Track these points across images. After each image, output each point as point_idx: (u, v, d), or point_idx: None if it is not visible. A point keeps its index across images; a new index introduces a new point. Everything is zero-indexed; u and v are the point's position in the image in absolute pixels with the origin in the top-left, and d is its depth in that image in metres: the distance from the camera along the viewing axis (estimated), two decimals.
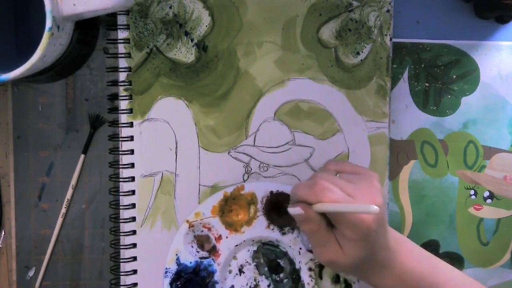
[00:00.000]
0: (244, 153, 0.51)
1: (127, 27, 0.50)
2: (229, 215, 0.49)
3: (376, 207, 0.38)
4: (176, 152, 0.50)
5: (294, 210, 0.43)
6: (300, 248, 0.49)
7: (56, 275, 0.52)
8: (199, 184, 0.51)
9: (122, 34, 0.50)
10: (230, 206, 0.49)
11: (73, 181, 0.52)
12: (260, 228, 0.49)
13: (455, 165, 0.54)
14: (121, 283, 0.50)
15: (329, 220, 0.43)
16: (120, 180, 0.50)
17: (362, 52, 0.51)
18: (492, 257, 0.54)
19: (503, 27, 0.54)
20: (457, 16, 0.53)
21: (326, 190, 0.41)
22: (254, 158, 0.51)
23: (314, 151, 0.51)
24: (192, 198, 0.50)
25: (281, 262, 0.50)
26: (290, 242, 0.49)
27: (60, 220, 0.52)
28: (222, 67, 0.51)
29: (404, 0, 0.53)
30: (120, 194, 0.50)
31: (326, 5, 0.51)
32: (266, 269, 0.50)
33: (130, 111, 0.50)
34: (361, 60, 0.51)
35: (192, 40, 0.50)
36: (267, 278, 0.50)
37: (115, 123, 0.50)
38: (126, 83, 0.50)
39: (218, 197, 0.49)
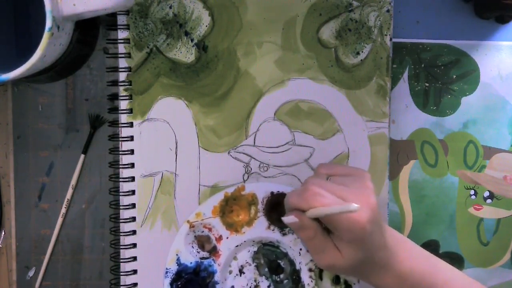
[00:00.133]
0: (244, 153, 0.51)
1: (127, 27, 0.50)
2: (230, 215, 0.49)
3: (355, 205, 0.38)
4: (176, 152, 0.50)
5: (288, 219, 0.43)
6: (301, 249, 0.49)
7: (56, 275, 0.52)
8: (199, 184, 0.51)
9: (122, 34, 0.50)
10: (231, 206, 0.49)
11: (73, 181, 0.52)
12: (261, 229, 0.49)
13: (455, 165, 0.54)
14: (121, 283, 0.50)
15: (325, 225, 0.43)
16: (120, 180, 0.50)
17: (362, 52, 0.51)
18: (492, 257, 0.54)
19: (503, 27, 0.54)
20: (457, 16, 0.53)
21: (316, 195, 0.41)
22: (254, 158, 0.51)
23: (314, 151, 0.51)
24: (192, 198, 0.50)
25: (282, 263, 0.50)
26: (290, 243, 0.49)
27: (60, 220, 0.52)
28: (222, 67, 0.51)
29: (404, 0, 0.53)
30: (120, 194, 0.50)
31: (326, 5, 0.51)
32: (266, 269, 0.50)
33: (130, 111, 0.50)
34: (361, 60, 0.51)
35: (192, 40, 0.50)
36: (267, 278, 0.50)
37: (115, 123, 0.50)
38: (126, 83, 0.50)
39: (218, 197, 0.49)
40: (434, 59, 0.53)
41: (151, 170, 0.50)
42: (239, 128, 0.51)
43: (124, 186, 0.50)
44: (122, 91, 0.50)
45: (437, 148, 0.54)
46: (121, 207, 0.50)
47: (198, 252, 0.50)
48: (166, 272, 0.49)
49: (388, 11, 0.51)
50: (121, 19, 0.50)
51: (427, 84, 0.53)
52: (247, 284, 0.50)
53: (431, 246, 0.54)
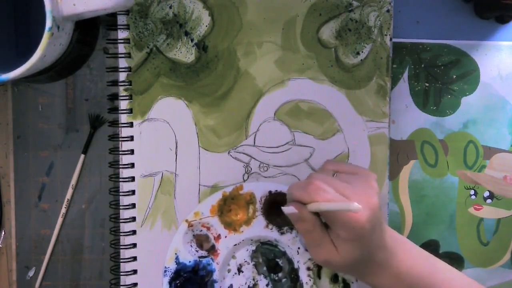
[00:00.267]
0: (244, 153, 0.51)
1: (127, 27, 0.50)
2: (228, 214, 0.49)
3: (357, 205, 0.38)
4: (176, 152, 0.50)
5: (288, 209, 0.43)
6: (299, 248, 0.49)
7: (56, 275, 0.52)
8: (199, 184, 0.51)
9: (122, 34, 0.50)
10: (229, 205, 0.49)
11: (73, 181, 0.52)
12: (259, 228, 0.49)
13: (455, 165, 0.54)
14: (121, 283, 0.50)
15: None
16: (120, 180, 0.50)
17: (362, 52, 0.51)
18: (492, 257, 0.54)
19: (503, 27, 0.54)
20: (457, 16, 0.53)
21: (320, 190, 0.41)
22: (254, 158, 0.51)
23: (314, 151, 0.51)
24: (192, 198, 0.50)
25: (280, 262, 0.50)
26: (288, 242, 0.49)
27: (60, 220, 0.52)
28: (222, 67, 0.51)
29: (404, 0, 0.53)
30: (120, 194, 0.50)
31: (326, 5, 0.51)
32: (264, 268, 0.50)
33: (130, 111, 0.50)
34: (361, 60, 0.51)
35: (192, 40, 0.50)
36: (265, 277, 0.50)
37: (115, 123, 0.50)
38: (126, 83, 0.50)
39: (217, 197, 0.49)
40: (434, 59, 0.53)
41: (151, 170, 0.50)
42: (239, 128, 0.51)
43: (124, 186, 0.50)
44: (122, 91, 0.50)
45: (437, 148, 0.54)
46: (121, 207, 0.50)
47: (197, 251, 0.50)
48: (165, 271, 0.49)
49: (388, 11, 0.51)
50: (121, 19, 0.50)
51: (427, 84, 0.53)
52: (246, 283, 0.50)
53: (431, 246, 0.54)
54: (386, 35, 0.51)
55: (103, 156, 0.52)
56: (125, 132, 0.50)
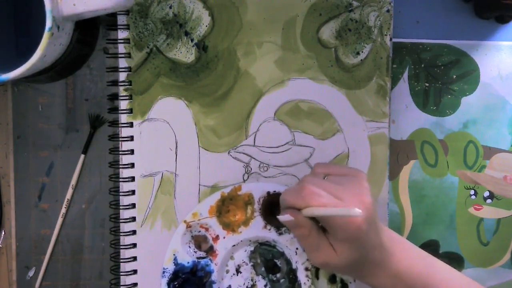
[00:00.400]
0: (244, 153, 0.51)
1: (127, 27, 0.50)
2: (226, 215, 0.49)
3: (358, 210, 0.38)
4: (176, 152, 0.50)
5: (283, 218, 0.43)
6: (297, 248, 0.49)
7: (56, 275, 0.52)
8: (199, 184, 0.51)
9: (122, 34, 0.50)
10: (227, 206, 0.49)
11: (73, 181, 0.52)
12: (257, 229, 0.49)
13: (455, 165, 0.54)
14: (121, 283, 0.50)
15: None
16: (120, 180, 0.50)
17: (362, 52, 0.51)
18: (492, 257, 0.54)
19: (503, 27, 0.54)
20: (457, 16, 0.53)
21: (313, 194, 0.41)
22: (254, 158, 0.51)
23: (314, 151, 0.51)
24: (192, 198, 0.50)
25: (278, 262, 0.50)
26: (286, 242, 0.49)
27: (60, 220, 0.52)
28: (222, 67, 0.51)
29: (404, 0, 0.53)
30: (120, 194, 0.50)
31: (326, 5, 0.51)
32: (263, 269, 0.50)
33: (130, 111, 0.50)
34: (361, 60, 0.51)
35: (192, 40, 0.50)
36: (264, 278, 0.50)
37: (115, 123, 0.50)
38: (126, 83, 0.50)
39: (215, 197, 0.49)
40: (434, 59, 0.53)
41: (151, 170, 0.50)
42: (239, 128, 0.51)
43: (124, 186, 0.50)
44: (122, 91, 0.50)
45: (437, 148, 0.54)
46: (121, 207, 0.50)
47: (195, 252, 0.50)
48: (163, 272, 0.49)
49: (388, 11, 0.51)
50: (121, 19, 0.50)
51: (427, 84, 0.53)
52: (244, 284, 0.50)
53: (431, 246, 0.54)
54: (386, 35, 0.51)
55: (103, 156, 0.52)
56: (125, 132, 0.50)
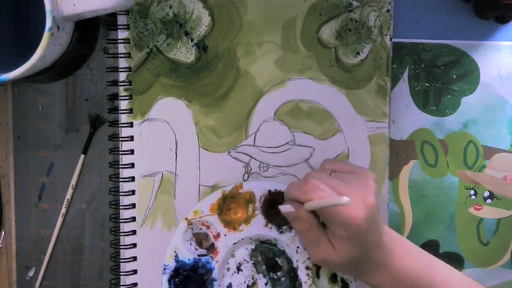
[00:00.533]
0: (244, 153, 0.51)
1: (127, 27, 0.50)
2: (228, 213, 0.49)
3: (346, 198, 0.39)
4: (176, 152, 0.50)
5: (285, 208, 0.43)
6: (298, 247, 0.49)
7: (56, 275, 0.52)
8: (199, 184, 0.51)
9: (122, 34, 0.50)
10: (229, 204, 0.49)
11: (73, 181, 0.52)
12: (258, 227, 0.49)
13: (455, 165, 0.54)
14: (121, 283, 0.50)
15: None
16: (120, 180, 0.50)
17: (362, 52, 0.51)
18: (492, 257, 0.54)
19: (503, 27, 0.54)
20: (457, 16, 0.53)
21: (315, 188, 0.41)
22: (254, 158, 0.51)
23: (314, 151, 0.51)
24: (192, 198, 0.50)
25: (279, 261, 0.50)
26: (287, 241, 0.49)
27: (60, 220, 0.52)
28: (222, 67, 0.51)
29: (404, 0, 0.53)
30: (120, 194, 0.50)
31: (326, 5, 0.51)
32: (263, 267, 0.50)
33: (130, 111, 0.50)
34: (361, 60, 0.51)
35: (192, 40, 0.50)
36: (264, 276, 0.50)
37: (115, 123, 0.50)
38: (126, 83, 0.50)
39: (216, 195, 0.49)
40: (434, 59, 0.53)
41: (151, 170, 0.50)
42: (239, 128, 0.51)
43: (124, 186, 0.50)
44: (122, 91, 0.50)
45: (437, 148, 0.54)
46: (121, 207, 0.50)
47: (196, 249, 0.50)
48: (164, 269, 0.49)
49: (388, 11, 0.51)
50: (121, 19, 0.50)
51: (427, 84, 0.53)
52: (245, 282, 0.50)
53: (431, 246, 0.54)
54: (386, 35, 0.51)
55: (103, 156, 0.52)
56: (125, 132, 0.50)
